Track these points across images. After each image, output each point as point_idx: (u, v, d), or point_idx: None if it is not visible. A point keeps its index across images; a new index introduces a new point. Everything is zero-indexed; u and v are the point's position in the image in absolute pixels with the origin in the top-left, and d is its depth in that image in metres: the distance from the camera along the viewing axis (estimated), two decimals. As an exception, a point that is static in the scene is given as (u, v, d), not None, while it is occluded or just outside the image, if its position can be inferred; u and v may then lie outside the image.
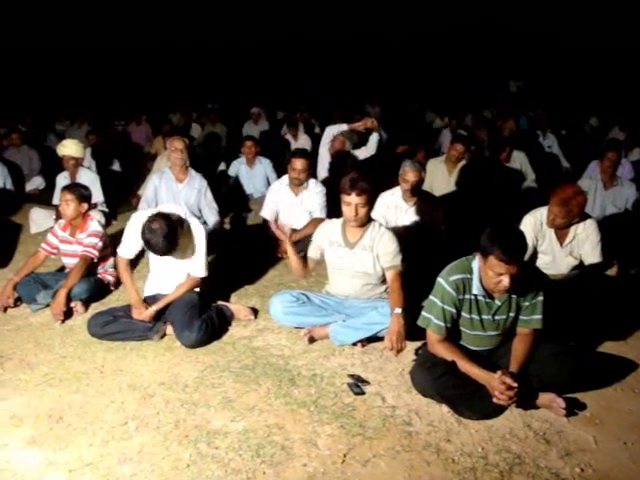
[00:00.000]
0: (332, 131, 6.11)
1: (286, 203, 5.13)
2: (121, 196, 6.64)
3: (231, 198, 6.51)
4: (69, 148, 5.61)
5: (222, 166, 7.70)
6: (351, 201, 3.30)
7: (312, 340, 3.40)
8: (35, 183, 7.29)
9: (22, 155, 7.38)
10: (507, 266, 2.54)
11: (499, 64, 15.99)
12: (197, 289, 3.65)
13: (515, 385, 2.56)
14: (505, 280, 2.59)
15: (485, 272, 2.65)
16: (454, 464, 2.36)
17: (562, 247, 3.93)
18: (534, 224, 3.90)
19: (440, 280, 2.81)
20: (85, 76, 15.36)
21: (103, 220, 5.66)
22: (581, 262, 3.96)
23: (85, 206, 3.99)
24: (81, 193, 3.97)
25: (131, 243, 3.61)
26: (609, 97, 13.65)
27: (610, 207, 5.24)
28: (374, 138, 6.15)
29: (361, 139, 6.47)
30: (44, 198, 6.52)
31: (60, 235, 4.04)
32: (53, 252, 4.06)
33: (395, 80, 15.64)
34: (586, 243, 3.87)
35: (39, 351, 3.30)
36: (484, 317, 2.81)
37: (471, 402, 2.65)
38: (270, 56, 17.09)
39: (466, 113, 11.84)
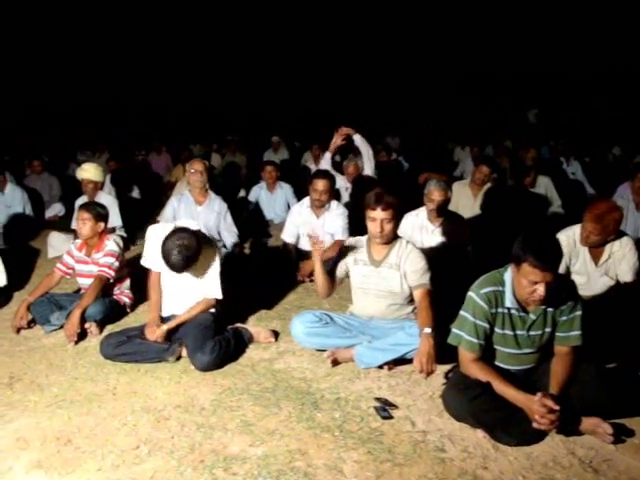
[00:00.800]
0: (323, 163, 5.89)
1: (308, 225, 5.01)
2: (140, 222, 6.56)
3: (251, 223, 6.42)
4: (88, 172, 5.58)
5: (242, 193, 7.64)
6: (376, 216, 3.16)
7: (335, 363, 3.22)
8: (55, 210, 7.29)
9: (42, 182, 7.42)
10: (542, 273, 2.38)
11: (517, 93, 15.95)
12: (212, 310, 3.51)
13: (557, 408, 2.35)
14: (540, 289, 2.42)
15: (519, 282, 2.49)
16: (494, 494, 2.15)
17: (597, 267, 3.74)
18: (567, 243, 3.71)
19: (471, 294, 2.65)
20: (108, 108, 15.61)
21: (121, 243, 5.57)
22: (617, 282, 3.75)
23: (102, 225, 3.90)
24: (98, 212, 3.89)
25: (155, 255, 3.46)
26: (631, 126, 13.47)
27: (644, 228, 5.04)
28: (358, 140, 5.85)
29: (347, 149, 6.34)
30: (64, 225, 6.48)
31: (76, 255, 3.95)
32: (69, 272, 3.96)
33: (414, 111, 15.66)
34: (623, 262, 3.68)
35: (50, 372, 3.17)
36: (518, 333, 2.63)
37: (509, 427, 2.44)
38: (289, 87, 17.26)
39: (486, 143, 11.76)
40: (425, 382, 2.99)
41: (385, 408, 2.73)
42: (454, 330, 2.69)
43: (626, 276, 3.69)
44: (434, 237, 4.34)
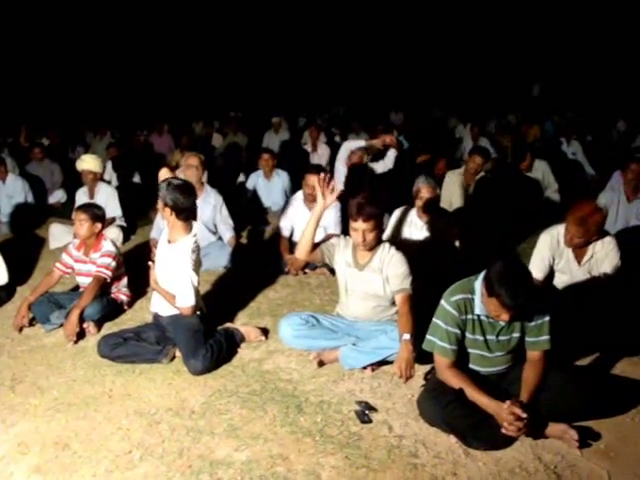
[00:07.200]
0: (349, 146, 5.99)
1: (301, 219, 5.09)
2: (141, 209, 6.66)
3: (249, 211, 6.53)
4: (87, 163, 5.69)
5: (241, 177, 7.73)
6: (358, 227, 3.25)
7: (321, 364, 3.37)
8: (57, 196, 7.42)
9: (44, 169, 7.52)
10: (510, 312, 2.53)
11: (521, 66, 15.74)
12: (198, 312, 3.51)
13: (524, 416, 2.49)
14: (505, 317, 2.57)
15: (487, 303, 2.60)
16: (459, 500, 2.30)
17: (580, 266, 3.82)
18: (550, 243, 3.80)
19: (442, 302, 2.78)
20: (108, 87, 15.57)
21: (121, 236, 5.71)
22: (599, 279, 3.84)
23: (99, 226, 4.02)
24: (95, 213, 4.01)
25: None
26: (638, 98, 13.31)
27: (634, 220, 5.10)
28: (392, 154, 6.01)
29: (379, 153, 6.35)
30: (66, 212, 6.60)
31: (74, 254, 4.08)
32: (67, 272, 4.10)
33: (418, 86, 15.51)
34: (605, 261, 3.75)
35: (50, 374, 3.33)
36: (488, 337, 2.77)
37: (479, 432, 2.59)
38: (290, 64, 17.08)
39: (489, 119, 11.70)
40: (405, 385, 3.13)
41: (365, 412, 2.88)
42: (428, 337, 2.82)
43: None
44: (422, 232, 4.43)
